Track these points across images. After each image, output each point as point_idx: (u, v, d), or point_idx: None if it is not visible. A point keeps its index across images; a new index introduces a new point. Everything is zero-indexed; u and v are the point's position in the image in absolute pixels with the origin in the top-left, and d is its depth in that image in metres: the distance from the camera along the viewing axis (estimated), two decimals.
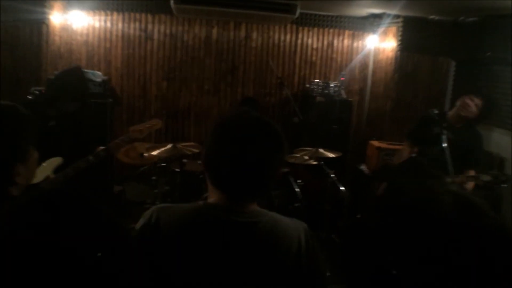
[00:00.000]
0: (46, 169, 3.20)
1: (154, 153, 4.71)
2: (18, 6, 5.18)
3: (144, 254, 1.45)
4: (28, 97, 5.30)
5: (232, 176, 1.44)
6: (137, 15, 6.53)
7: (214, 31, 6.72)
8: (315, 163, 4.81)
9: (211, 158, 1.50)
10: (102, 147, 3.45)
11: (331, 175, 4.71)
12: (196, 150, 4.87)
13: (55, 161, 3.25)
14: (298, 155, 4.84)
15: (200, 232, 1.47)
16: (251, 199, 1.53)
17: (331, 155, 4.70)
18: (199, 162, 5.30)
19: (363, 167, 5.87)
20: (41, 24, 5.65)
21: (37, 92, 5.37)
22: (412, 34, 6.31)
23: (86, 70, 5.52)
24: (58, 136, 3.70)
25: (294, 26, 6.86)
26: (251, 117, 1.52)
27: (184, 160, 5.10)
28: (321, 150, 4.75)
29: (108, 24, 6.50)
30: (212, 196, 1.54)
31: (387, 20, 6.40)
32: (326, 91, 6.41)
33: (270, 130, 1.49)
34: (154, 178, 5.25)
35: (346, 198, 4.98)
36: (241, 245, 1.46)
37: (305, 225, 1.59)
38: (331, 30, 6.98)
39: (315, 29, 6.94)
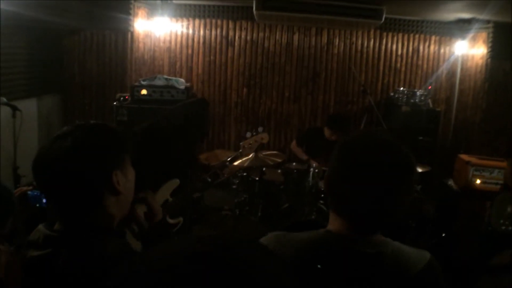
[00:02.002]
0: (164, 192, 3.13)
1: (236, 163, 4.67)
2: (105, 15, 5.30)
3: None
4: (114, 103, 5.44)
5: (359, 204, 1.33)
6: (219, 22, 6.55)
7: (296, 37, 6.63)
8: None
9: (335, 183, 1.38)
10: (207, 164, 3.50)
11: (416, 190, 4.49)
12: (278, 160, 4.80)
13: (173, 183, 3.12)
14: None
15: (324, 264, 1.34)
16: (377, 229, 1.40)
17: (417, 169, 4.46)
18: (279, 171, 5.22)
19: (450, 182, 5.57)
20: (126, 31, 5.77)
21: (122, 98, 5.49)
22: (504, 41, 5.92)
23: (169, 77, 5.58)
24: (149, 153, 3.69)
25: (378, 32, 6.65)
26: (379, 139, 1.40)
27: (264, 169, 5.04)
28: None
29: (190, 30, 6.57)
30: (333, 223, 1.41)
31: (476, 26, 6.08)
32: (411, 100, 6.16)
33: (401, 155, 1.36)
34: (234, 187, 5.22)
35: (431, 215, 4.75)
36: (369, 278, 1.34)
37: (429, 255, 1.46)
38: (416, 36, 6.71)
39: (400, 35, 6.70)
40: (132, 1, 5.41)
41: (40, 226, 1.48)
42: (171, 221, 2.99)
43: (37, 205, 2.94)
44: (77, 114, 6.11)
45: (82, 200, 1.40)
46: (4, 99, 4.23)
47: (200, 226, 5.50)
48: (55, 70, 5.85)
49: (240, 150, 3.94)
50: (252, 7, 5.49)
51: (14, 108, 4.24)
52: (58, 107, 6.04)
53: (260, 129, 4.24)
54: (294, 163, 5.27)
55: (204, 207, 5.63)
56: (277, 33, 6.62)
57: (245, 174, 5.14)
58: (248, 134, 4.07)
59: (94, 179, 1.39)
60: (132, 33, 5.81)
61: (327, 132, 5.33)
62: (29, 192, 2.94)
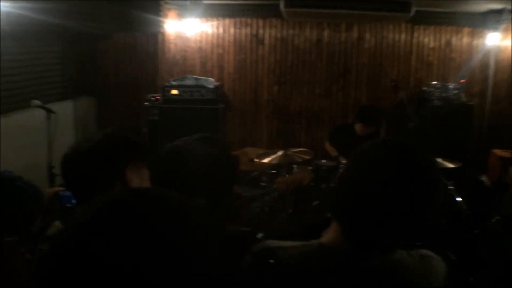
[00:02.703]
0: None
1: (265, 160, 4.71)
2: (136, 17, 5.40)
3: None
4: (146, 103, 5.55)
5: (364, 215, 1.22)
6: (248, 20, 6.58)
7: (325, 33, 6.60)
8: None
9: (344, 194, 1.29)
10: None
11: (449, 187, 4.43)
12: (307, 157, 4.81)
13: None
14: None
15: (317, 282, 1.26)
16: (381, 244, 1.27)
17: (449, 165, 4.40)
18: (310, 167, 5.22)
19: (484, 178, 5.45)
20: (157, 33, 5.86)
21: (153, 99, 5.60)
22: None
23: (198, 77, 5.65)
24: None
25: (409, 25, 6.54)
26: (401, 151, 1.27)
27: (294, 166, 5.06)
28: (438, 159, 4.46)
29: (221, 30, 6.62)
30: (330, 233, 1.31)
31: (508, 16, 5.90)
32: (444, 94, 6.05)
33: (422, 170, 1.23)
34: (263, 184, 5.25)
35: (463, 211, 4.67)
36: None
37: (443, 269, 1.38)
38: (448, 28, 6.57)
39: (432, 27, 6.57)
40: (162, 3, 5.50)
41: (57, 222, 1.55)
42: None
43: (68, 204, 3.04)
44: (111, 115, 6.26)
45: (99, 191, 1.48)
46: (38, 102, 4.35)
47: (233, 222, 5.57)
48: (89, 72, 6.00)
49: (275, 186, 3.90)
50: (280, 5, 5.50)
51: (48, 111, 4.36)
52: (92, 108, 6.20)
53: (295, 167, 4.26)
54: (323, 160, 5.27)
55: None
56: (307, 30, 6.60)
57: (273, 171, 5.17)
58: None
59: (108, 175, 1.49)
60: (163, 34, 5.90)
61: (358, 126, 5.28)
62: (60, 192, 3.04)
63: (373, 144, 1.33)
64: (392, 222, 1.21)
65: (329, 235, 1.31)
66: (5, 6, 3.68)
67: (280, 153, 4.76)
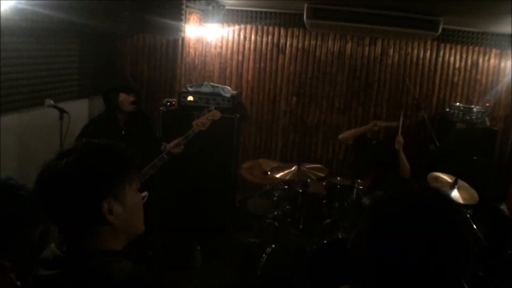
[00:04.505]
0: None
1: (278, 175, 4.60)
2: (157, 20, 5.32)
3: None
4: (161, 108, 5.45)
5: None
6: (270, 28, 6.47)
7: (348, 46, 6.46)
8: None
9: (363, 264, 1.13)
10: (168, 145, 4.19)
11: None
12: (321, 174, 4.68)
13: None
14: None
15: None
16: None
17: (464, 201, 4.18)
18: (324, 183, 5.08)
19: (503, 206, 5.26)
20: (177, 36, 5.77)
21: (169, 104, 5.49)
22: None
23: (216, 85, 5.54)
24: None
25: (435, 43, 6.37)
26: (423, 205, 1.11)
27: (308, 180, 4.93)
28: (456, 192, 4.27)
29: (241, 37, 6.52)
30: None
31: None
32: (467, 117, 5.87)
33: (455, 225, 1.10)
34: (275, 199, 5.13)
35: (479, 241, 4.49)
36: None
37: None
38: (476, 48, 6.39)
39: (458, 47, 6.40)
40: (184, 7, 5.40)
41: (52, 245, 1.46)
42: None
43: None
44: None
45: (74, 225, 1.38)
46: (51, 102, 4.27)
47: (244, 233, 5.47)
48: (107, 72, 5.93)
49: (192, 129, 4.24)
50: (303, 14, 5.38)
51: (61, 111, 4.28)
52: None
53: (211, 107, 4.49)
54: (338, 178, 5.12)
55: (247, 213, 5.59)
56: (329, 41, 6.46)
57: (286, 187, 5.05)
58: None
59: (82, 205, 1.35)
60: (183, 38, 5.81)
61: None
62: None
63: (391, 199, 1.16)
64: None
65: None
66: (22, 3, 3.62)
67: (294, 168, 4.64)
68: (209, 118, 4.35)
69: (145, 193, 1.56)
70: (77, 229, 1.38)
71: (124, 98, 4.11)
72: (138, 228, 1.52)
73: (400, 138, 4.98)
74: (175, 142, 4.21)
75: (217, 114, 4.41)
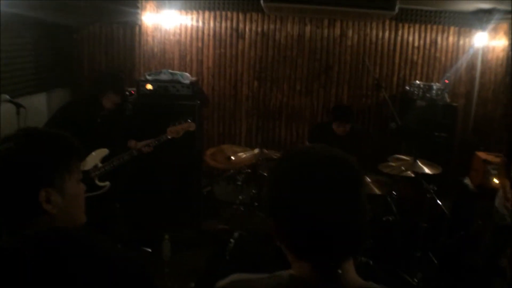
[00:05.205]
0: (95, 158, 3.97)
1: (241, 159, 4.57)
2: (112, 8, 5.21)
3: None
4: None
5: (315, 241, 1.11)
6: (229, 14, 6.41)
7: (307, 29, 6.44)
8: (413, 175, 4.42)
9: (281, 222, 1.16)
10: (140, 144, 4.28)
11: (431, 190, 4.30)
12: None
13: (103, 151, 4.02)
14: (394, 165, 4.47)
15: None
16: (343, 263, 1.15)
17: (429, 171, 4.24)
18: None
19: (467, 180, 5.34)
20: (134, 25, 5.66)
21: (128, 93, 5.38)
22: None
23: (174, 72, 5.45)
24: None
25: (393, 23, 6.41)
26: (324, 157, 1.16)
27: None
28: (419, 163, 4.31)
29: (200, 23, 6.44)
30: (294, 265, 1.19)
31: (497, 16, 5.79)
32: (428, 94, 5.91)
33: (351, 173, 1.14)
34: (239, 183, 5.10)
35: (446, 215, 4.56)
36: None
37: None
38: (434, 27, 6.44)
39: (417, 26, 6.43)
40: None
41: None
42: (99, 183, 3.89)
43: None
44: None
45: (12, 213, 1.34)
46: (7, 97, 4.15)
47: (213, 221, 5.44)
48: (64, 64, 5.80)
49: (166, 134, 4.35)
50: None
51: (18, 105, 4.16)
52: (67, 101, 5.97)
53: (190, 119, 4.53)
54: None
55: (215, 201, 5.56)
56: (289, 25, 6.43)
57: (249, 170, 5.04)
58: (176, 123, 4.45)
59: (19, 193, 1.31)
60: (140, 26, 5.70)
61: (334, 125, 5.14)
62: None
63: (291, 163, 1.19)
64: (336, 240, 1.11)
65: (298, 265, 1.18)
66: None
67: (256, 151, 4.63)
68: (184, 128, 4.46)
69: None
70: (15, 218, 1.34)
71: (111, 98, 4.21)
72: (78, 218, 1.48)
73: None
74: (146, 142, 4.31)
75: (192, 126, 4.51)
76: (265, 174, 4.95)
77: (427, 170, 4.21)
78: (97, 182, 3.89)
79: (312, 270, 1.13)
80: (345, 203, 1.11)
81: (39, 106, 5.23)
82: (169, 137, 4.37)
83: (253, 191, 5.05)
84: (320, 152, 1.17)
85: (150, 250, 4.71)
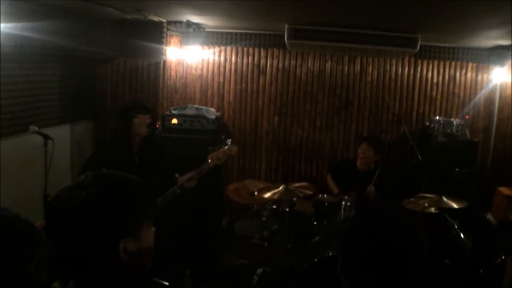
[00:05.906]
0: None
1: (266, 195, 4.58)
2: (138, 44, 5.32)
3: None
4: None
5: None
6: (250, 49, 6.53)
7: (328, 65, 6.54)
8: (436, 211, 4.43)
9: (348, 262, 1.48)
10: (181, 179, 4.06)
11: (455, 226, 4.31)
12: (308, 192, 4.69)
13: None
14: (416, 202, 4.48)
15: None
16: None
17: (455, 205, 4.26)
18: (310, 202, 5.10)
19: (489, 216, 5.34)
20: (159, 59, 5.77)
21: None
22: None
23: (200, 107, 5.56)
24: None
25: (413, 59, 6.50)
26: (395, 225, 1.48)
27: (294, 199, 4.93)
28: (444, 199, 4.33)
29: (222, 58, 6.56)
30: None
31: None
32: (448, 130, 5.96)
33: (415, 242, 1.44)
34: (263, 219, 5.12)
35: (468, 250, 4.54)
36: None
37: None
38: (453, 63, 6.53)
39: (435, 62, 6.53)
40: (165, 30, 5.42)
41: (55, 284, 1.41)
42: None
43: None
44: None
45: (85, 262, 1.29)
46: (35, 128, 4.22)
47: (231, 254, 5.43)
48: (88, 96, 5.89)
49: (207, 163, 4.08)
50: (283, 35, 5.44)
51: (46, 137, 4.23)
52: (90, 134, 6.06)
53: (228, 141, 4.39)
54: (325, 195, 5.15)
55: (234, 235, 5.55)
56: (309, 61, 6.54)
57: (274, 206, 5.05)
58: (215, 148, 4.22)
59: (99, 242, 1.26)
60: (164, 61, 5.81)
61: (363, 147, 5.21)
62: None
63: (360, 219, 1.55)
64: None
65: None
66: (6, 27, 3.60)
67: (281, 187, 4.63)
68: (226, 152, 4.18)
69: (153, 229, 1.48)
70: (87, 266, 1.29)
71: (141, 119, 3.97)
72: (146, 266, 1.44)
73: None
74: (189, 175, 4.06)
75: (234, 149, 4.24)
76: (287, 209, 4.95)
77: (454, 205, 4.22)
78: None
79: None
80: (405, 267, 1.39)
81: (62, 138, 5.30)
82: (211, 165, 4.06)
83: (275, 226, 5.06)
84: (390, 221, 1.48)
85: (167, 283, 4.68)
